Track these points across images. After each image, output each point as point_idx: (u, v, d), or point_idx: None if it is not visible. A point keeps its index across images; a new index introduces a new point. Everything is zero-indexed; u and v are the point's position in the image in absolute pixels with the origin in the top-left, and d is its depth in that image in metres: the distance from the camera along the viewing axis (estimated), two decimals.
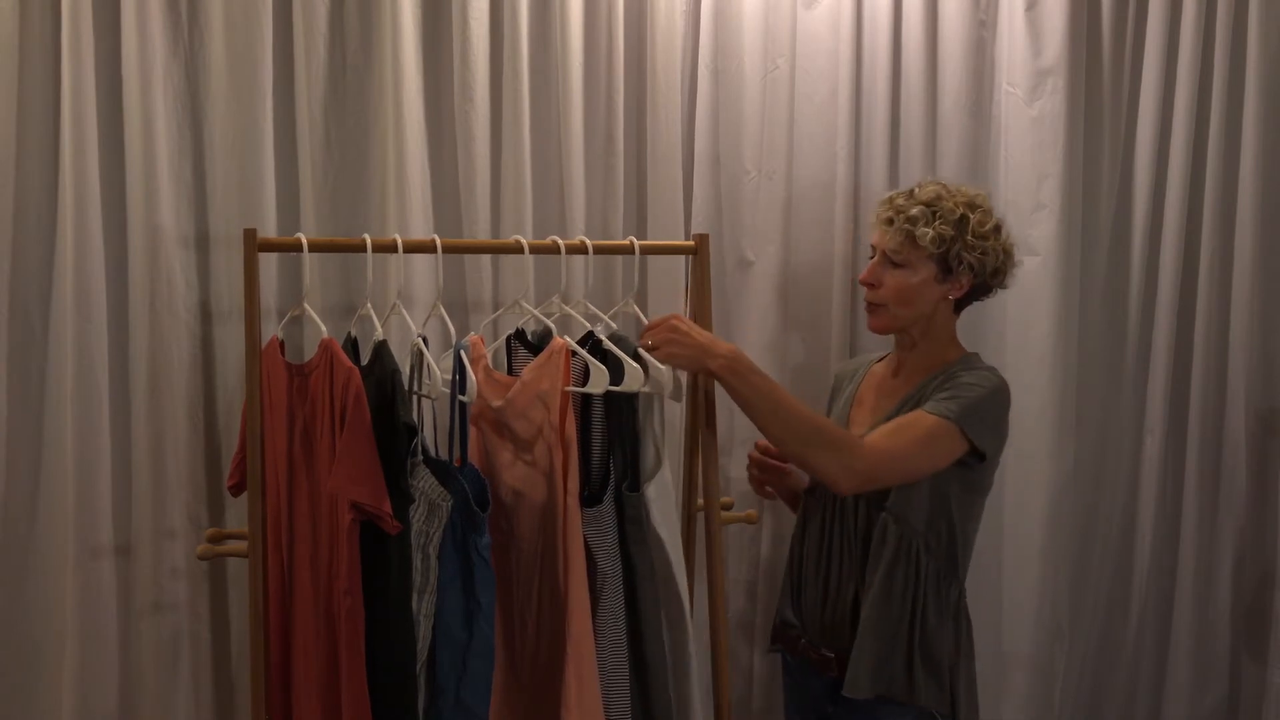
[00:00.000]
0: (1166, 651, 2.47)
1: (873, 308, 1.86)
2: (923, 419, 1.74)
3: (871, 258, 1.88)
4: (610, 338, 1.85)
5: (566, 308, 1.94)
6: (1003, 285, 1.89)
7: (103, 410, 2.01)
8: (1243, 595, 2.44)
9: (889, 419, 1.80)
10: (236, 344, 2.00)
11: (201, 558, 1.92)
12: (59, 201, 1.98)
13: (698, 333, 1.77)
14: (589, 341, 1.85)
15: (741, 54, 2.30)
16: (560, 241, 1.88)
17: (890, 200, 1.85)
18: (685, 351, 1.74)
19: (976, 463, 1.78)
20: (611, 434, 1.86)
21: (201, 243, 2.09)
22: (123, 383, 2.05)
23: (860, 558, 1.83)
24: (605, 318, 1.91)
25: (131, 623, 2.07)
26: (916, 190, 1.84)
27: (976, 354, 1.89)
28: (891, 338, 1.94)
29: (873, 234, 1.87)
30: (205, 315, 2.10)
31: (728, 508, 2.14)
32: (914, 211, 1.79)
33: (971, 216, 1.80)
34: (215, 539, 1.96)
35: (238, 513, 2.08)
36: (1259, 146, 2.33)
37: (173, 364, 2.05)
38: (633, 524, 1.85)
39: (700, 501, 2.00)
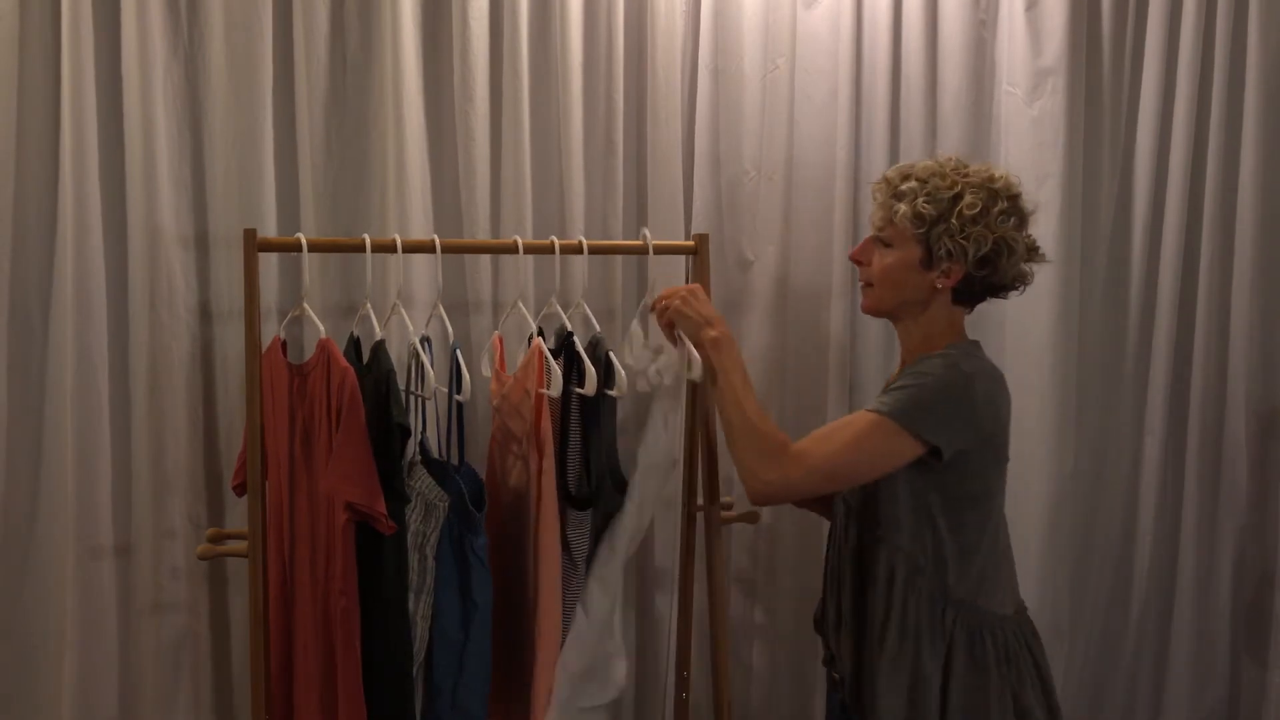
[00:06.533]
0: (1166, 651, 2.47)
1: (864, 286, 1.75)
2: (857, 418, 1.60)
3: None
4: (592, 340, 1.86)
5: (522, 308, 1.98)
6: (1002, 283, 1.66)
7: (103, 410, 2.01)
8: (1243, 595, 2.44)
9: None
10: (236, 344, 2.00)
11: (201, 558, 1.92)
12: (59, 201, 1.98)
13: (709, 307, 1.78)
14: (567, 342, 1.88)
15: (741, 54, 2.30)
16: (557, 241, 1.89)
17: (890, 175, 1.69)
18: (693, 315, 1.76)
19: (936, 462, 1.58)
20: (587, 435, 1.88)
21: (201, 243, 2.09)
22: (123, 383, 2.05)
23: (853, 582, 1.74)
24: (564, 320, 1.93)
25: (131, 623, 2.07)
26: (921, 164, 1.67)
27: (966, 344, 1.69)
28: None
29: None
30: (205, 315, 2.10)
31: (728, 508, 2.13)
32: (903, 187, 1.63)
33: (965, 198, 1.59)
34: (215, 539, 1.96)
35: (238, 513, 2.08)
36: (1259, 146, 2.33)
37: (173, 364, 2.05)
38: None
39: (700, 501, 2.00)
